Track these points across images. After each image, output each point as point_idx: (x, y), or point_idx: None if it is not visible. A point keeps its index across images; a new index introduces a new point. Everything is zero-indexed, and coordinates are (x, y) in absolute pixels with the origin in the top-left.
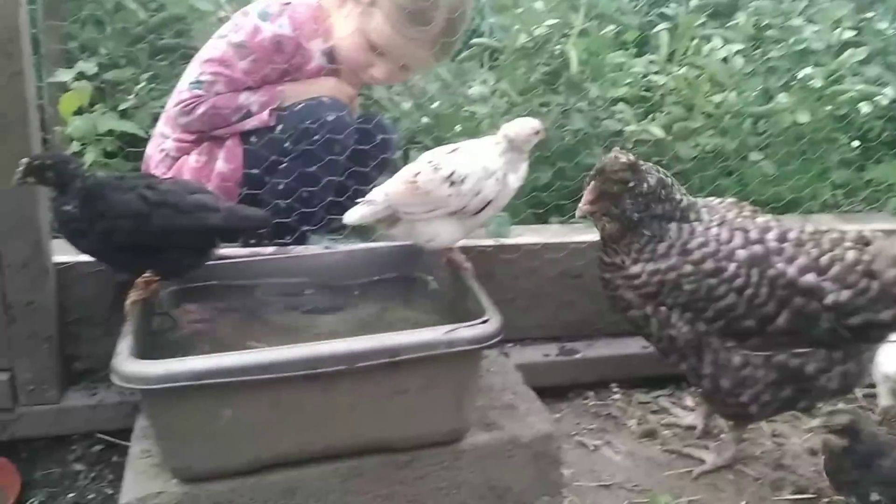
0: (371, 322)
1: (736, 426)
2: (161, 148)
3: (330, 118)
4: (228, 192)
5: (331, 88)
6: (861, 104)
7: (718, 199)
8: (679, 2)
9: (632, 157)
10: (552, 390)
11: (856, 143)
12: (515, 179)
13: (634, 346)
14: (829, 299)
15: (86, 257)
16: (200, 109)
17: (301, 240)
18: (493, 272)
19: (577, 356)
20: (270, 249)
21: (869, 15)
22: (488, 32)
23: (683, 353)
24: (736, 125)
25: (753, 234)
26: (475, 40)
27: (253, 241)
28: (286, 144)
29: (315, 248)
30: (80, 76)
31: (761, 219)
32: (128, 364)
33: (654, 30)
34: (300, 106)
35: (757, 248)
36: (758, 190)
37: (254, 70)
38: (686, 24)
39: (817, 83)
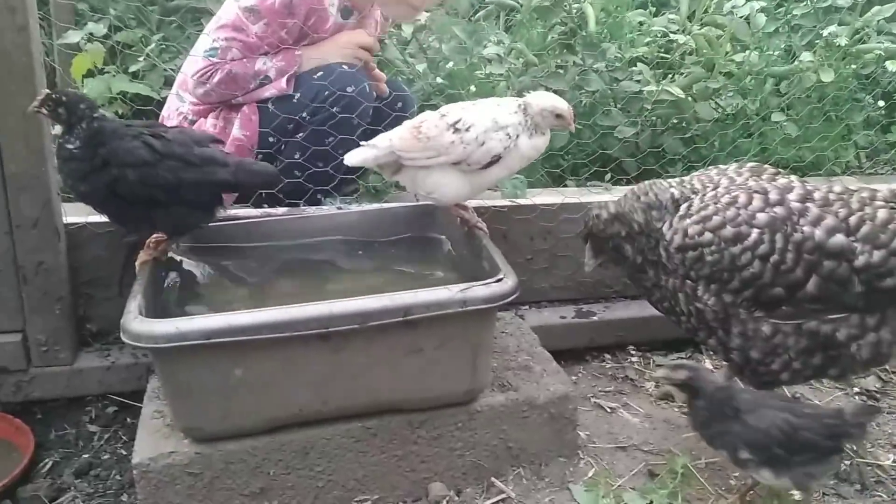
0: (384, 281)
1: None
2: (178, 111)
3: (349, 90)
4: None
5: (347, 44)
6: (887, 63)
7: (736, 165)
8: None
9: (612, 210)
10: (569, 353)
11: (881, 104)
12: (530, 146)
13: (652, 308)
14: (860, 261)
15: (96, 217)
16: (217, 77)
17: (314, 201)
18: (508, 232)
19: (595, 318)
20: (282, 210)
21: None
22: None
23: (711, 328)
24: (757, 85)
25: (774, 196)
26: None
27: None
28: (304, 114)
29: (328, 209)
30: (91, 37)
31: (783, 180)
32: (137, 323)
33: None
34: (319, 74)
35: (778, 210)
36: (779, 151)
37: (267, 34)
38: None
39: (842, 41)
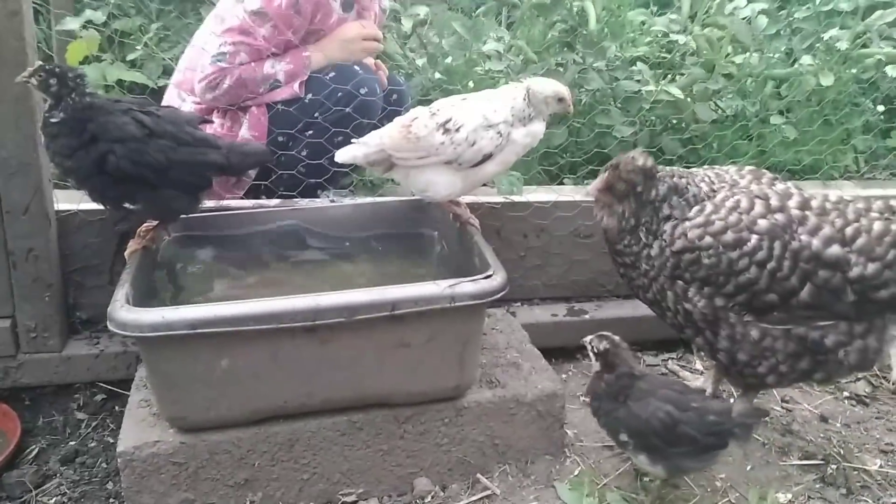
0: (374, 275)
1: (746, 392)
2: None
3: (363, 91)
4: None
5: (354, 38)
6: (888, 68)
7: (736, 167)
8: None
9: (649, 164)
10: (560, 351)
11: (880, 108)
12: (524, 135)
13: (644, 308)
14: (855, 272)
15: (88, 204)
16: (226, 83)
17: (310, 194)
18: (501, 229)
19: (586, 317)
20: (275, 202)
21: None
22: None
23: (698, 328)
24: (757, 87)
25: (775, 202)
26: None
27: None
28: (316, 114)
29: (321, 202)
30: (89, 24)
31: (781, 185)
32: (123, 311)
33: None
34: (331, 75)
35: (779, 217)
36: (777, 153)
37: (275, 36)
38: None
39: (843, 45)
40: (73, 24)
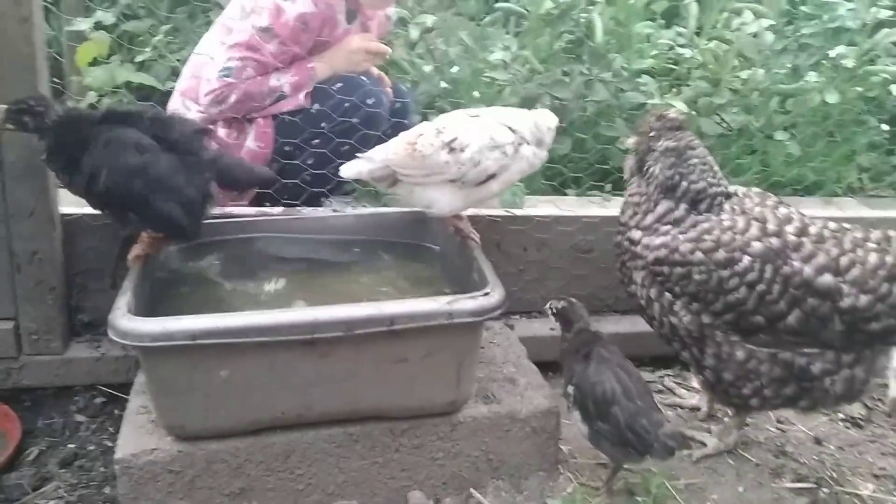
0: (373, 288)
1: (739, 412)
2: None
3: (370, 101)
4: None
5: (357, 50)
6: (893, 86)
7: (744, 189)
8: None
9: (677, 121)
10: (557, 365)
11: (885, 127)
12: (533, 154)
13: (642, 324)
14: (846, 303)
15: (92, 209)
16: (233, 98)
17: (314, 203)
18: (501, 242)
19: None
20: (278, 210)
21: None
22: None
23: (685, 343)
24: (762, 103)
25: (772, 226)
26: (499, 4)
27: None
28: (322, 125)
29: (323, 211)
30: (98, 26)
31: (784, 210)
32: (124, 320)
33: (684, 1)
34: (338, 86)
35: (774, 241)
36: (781, 170)
37: (282, 52)
38: None
39: (849, 63)
40: (83, 25)
